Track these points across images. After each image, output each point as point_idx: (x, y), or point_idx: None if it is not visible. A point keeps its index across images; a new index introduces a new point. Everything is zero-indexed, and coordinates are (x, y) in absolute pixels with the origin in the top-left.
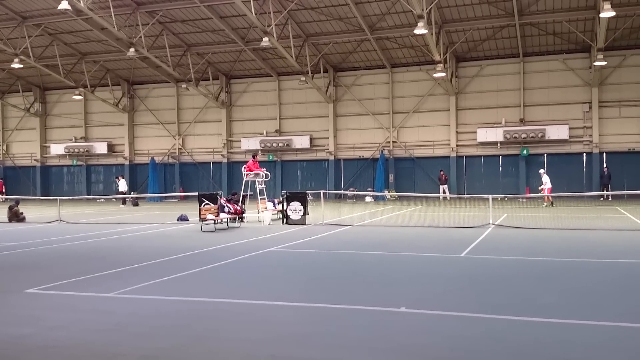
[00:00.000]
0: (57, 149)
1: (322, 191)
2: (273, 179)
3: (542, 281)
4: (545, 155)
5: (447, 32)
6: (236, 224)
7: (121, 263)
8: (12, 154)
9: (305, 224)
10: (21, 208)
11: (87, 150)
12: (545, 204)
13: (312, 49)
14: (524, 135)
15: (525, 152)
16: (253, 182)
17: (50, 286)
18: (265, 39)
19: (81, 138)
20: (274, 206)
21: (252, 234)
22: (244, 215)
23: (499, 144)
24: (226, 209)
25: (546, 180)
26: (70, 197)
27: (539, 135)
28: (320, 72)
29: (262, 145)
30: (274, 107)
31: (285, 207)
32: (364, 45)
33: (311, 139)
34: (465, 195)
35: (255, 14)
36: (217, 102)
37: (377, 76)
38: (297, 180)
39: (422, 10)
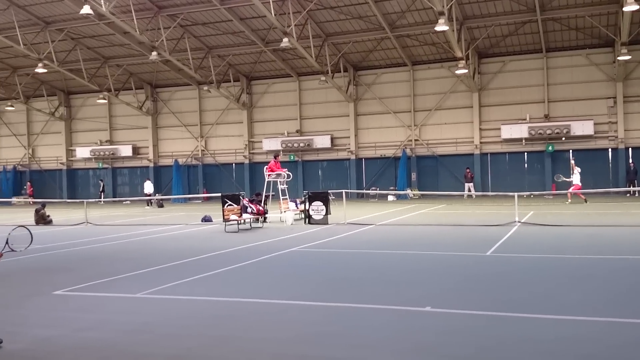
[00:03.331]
0: (82, 152)
1: (343, 191)
2: (295, 179)
3: (568, 279)
4: (570, 151)
5: (468, 28)
6: (259, 224)
7: (147, 264)
8: (38, 157)
9: (327, 224)
10: (48, 211)
11: (112, 153)
12: (569, 200)
13: (332, 48)
14: (548, 132)
15: (550, 148)
16: (275, 183)
17: (78, 288)
18: (285, 39)
19: (106, 141)
20: (296, 206)
21: (275, 234)
22: (266, 215)
23: (523, 141)
24: (249, 210)
25: (577, 177)
26: (97, 200)
27: (564, 131)
28: (340, 72)
29: (284, 145)
30: (294, 107)
31: (307, 207)
32: (384, 43)
33: (332, 139)
34: (490, 193)
35: (275, 15)
36: (238, 103)
37: (397, 74)
38: (319, 180)
39: (443, 6)
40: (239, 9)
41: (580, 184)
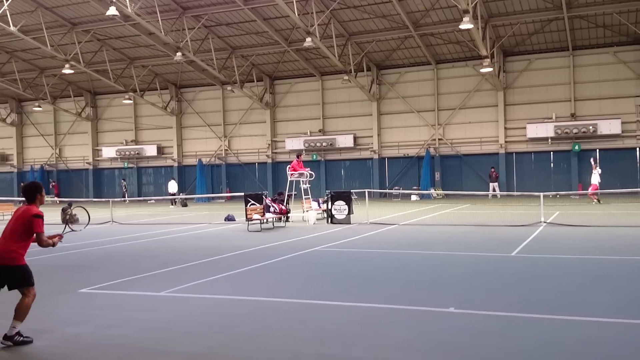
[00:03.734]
0: (108, 152)
1: (366, 190)
2: (317, 179)
3: (595, 280)
4: (597, 150)
5: (493, 26)
6: (281, 224)
7: (171, 262)
8: (65, 157)
9: (350, 223)
10: (74, 210)
11: (137, 153)
12: (595, 201)
13: (355, 47)
14: (575, 131)
15: (577, 147)
16: (297, 182)
17: (104, 286)
18: (308, 39)
19: (132, 141)
20: (319, 205)
21: (298, 233)
22: (289, 214)
23: (549, 140)
24: (271, 209)
25: (595, 177)
26: (123, 199)
27: (591, 130)
28: (363, 71)
29: (306, 145)
30: (317, 106)
31: (329, 207)
32: (408, 42)
33: (355, 138)
34: (516, 193)
35: (298, 14)
36: (261, 103)
37: (421, 73)
38: (341, 179)
39: (468, 4)
40: (262, 9)
41: (597, 184)
